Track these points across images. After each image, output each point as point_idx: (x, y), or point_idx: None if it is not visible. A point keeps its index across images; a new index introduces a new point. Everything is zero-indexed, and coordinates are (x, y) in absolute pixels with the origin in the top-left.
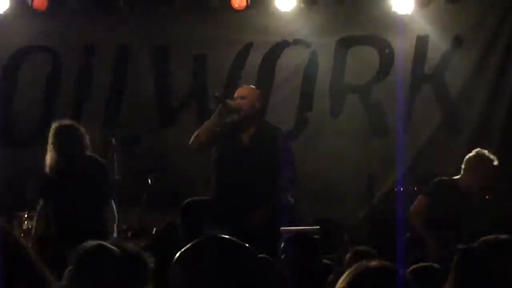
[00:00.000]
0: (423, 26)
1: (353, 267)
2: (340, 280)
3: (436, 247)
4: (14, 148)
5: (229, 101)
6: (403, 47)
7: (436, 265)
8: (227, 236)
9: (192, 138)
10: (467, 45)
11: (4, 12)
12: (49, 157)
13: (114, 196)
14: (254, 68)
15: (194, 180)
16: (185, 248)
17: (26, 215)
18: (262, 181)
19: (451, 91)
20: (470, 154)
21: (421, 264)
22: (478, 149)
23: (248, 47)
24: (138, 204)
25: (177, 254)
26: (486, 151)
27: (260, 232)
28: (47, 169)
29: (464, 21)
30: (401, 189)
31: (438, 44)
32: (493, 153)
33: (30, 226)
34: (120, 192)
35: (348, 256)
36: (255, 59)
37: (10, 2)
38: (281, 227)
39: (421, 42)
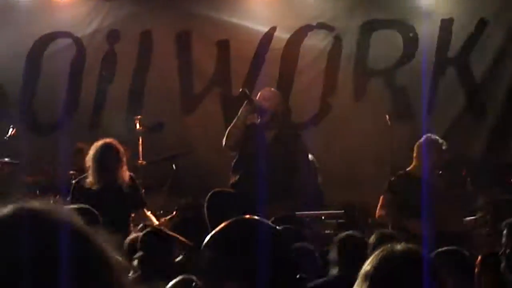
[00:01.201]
0: (448, 9)
1: (379, 250)
2: (366, 263)
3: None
4: (38, 133)
5: (255, 100)
6: (427, 31)
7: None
8: (255, 217)
9: (225, 139)
10: (492, 28)
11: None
12: (90, 176)
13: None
14: (278, 53)
15: (217, 165)
16: (214, 231)
17: (52, 201)
18: (281, 183)
19: (475, 75)
20: (420, 141)
21: (446, 248)
22: (427, 135)
23: (271, 31)
24: (162, 189)
25: (207, 238)
26: (434, 136)
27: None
28: (86, 184)
29: (488, 4)
30: (426, 173)
31: (463, 27)
32: None
33: None
34: (145, 177)
35: (372, 239)
36: (278, 43)
37: None
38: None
39: (446, 26)
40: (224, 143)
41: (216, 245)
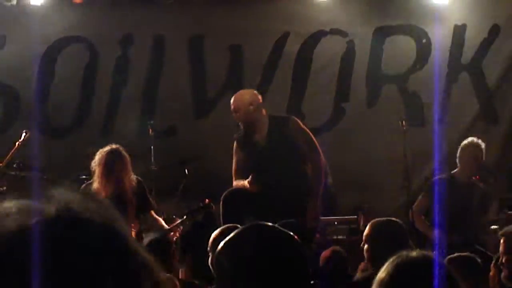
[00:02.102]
0: (461, 15)
1: (394, 257)
2: (381, 271)
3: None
4: (52, 138)
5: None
6: (440, 36)
7: (474, 256)
8: (270, 224)
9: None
10: (505, 33)
11: (41, 3)
12: (96, 182)
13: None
14: (291, 58)
15: (230, 169)
16: (229, 237)
17: None
18: (290, 175)
19: (488, 80)
20: (461, 144)
21: (459, 254)
22: (468, 138)
23: (285, 36)
24: (175, 193)
25: (222, 243)
26: (475, 138)
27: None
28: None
29: (502, 9)
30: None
31: (476, 33)
32: None
33: None
34: (157, 182)
35: None
36: (292, 48)
37: None
38: (323, 216)
39: (459, 31)
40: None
41: (230, 251)
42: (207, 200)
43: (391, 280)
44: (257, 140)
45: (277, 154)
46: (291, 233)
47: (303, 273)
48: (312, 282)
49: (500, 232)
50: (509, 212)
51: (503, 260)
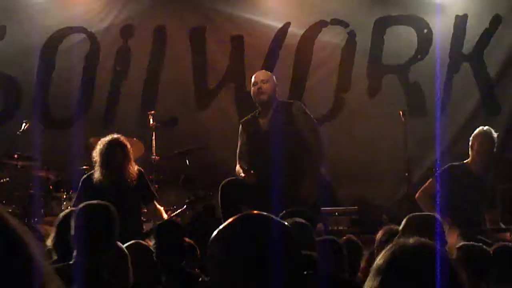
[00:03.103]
0: (462, 5)
1: (392, 244)
2: (378, 258)
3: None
4: (53, 129)
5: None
6: (441, 27)
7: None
8: (263, 213)
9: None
10: (507, 24)
11: None
12: (97, 172)
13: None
14: (292, 49)
15: (231, 160)
16: (221, 227)
17: (65, 196)
18: (292, 158)
19: (490, 71)
20: (473, 134)
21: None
22: (479, 128)
23: (285, 27)
24: (176, 184)
25: (214, 233)
26: (485, 127)
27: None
28: (94, 179)
29: (503, 0)
30: (440, 169)
31: (477, 23)
32: None
33: (69, 207)
34: (158, 172)
35: (379, 235)
36: (293, 39)
37: None
38: (321, 206)
39: (460, 22)
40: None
41: (223, 240)
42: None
43: (388, 267)
44: (261, 124)
45: (278, 140)
46: (284, 222)
47: (296, 261)
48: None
49: (492, 248)
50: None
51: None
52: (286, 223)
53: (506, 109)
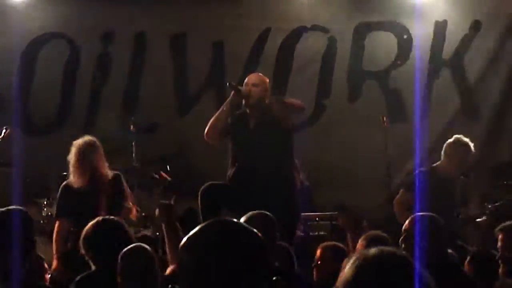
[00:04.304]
0: (441, 11)
1: (353, 258)
2: (344, 274)
3: None
4: (33, 136)
5: (241, 88)
6: (421, 33)
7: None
8: (233, 220)
9: (206, 129)
10: (486, 30)
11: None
12: (72, 174)
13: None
14: (272, 54)
15: (212, 166)
16: (191, 233)
17: (45, 202)
18: (275, 162)
19: (470, 76)
20: (450, 141)
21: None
22: (458, 136)
23: (266, 33)
24: (156, 190)
25: (184, 240)
26: (463, 137)
27: (279, 213)
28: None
29: (482, 5)
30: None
31: (457, 29)
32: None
33: (49, 213)
34: (139, 178)
35: (361, 241)
36: (273, 45)
37: None
38: (300, 210)
39: (440, 27)
40: (205, 134)
41: (190, 248)
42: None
43: (352, 282)
44: (249, 124)
45: (263, 141)
46: (253, 229)
47: (263, 268)
48: (274, 278)
49: (498, 227)
50: (492, 205)
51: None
52: (255, 231)
53: (485, 114)
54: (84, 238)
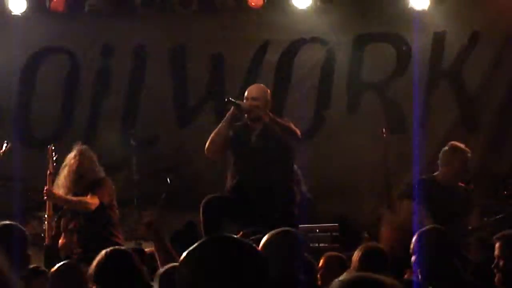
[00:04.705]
0: (440, 22)
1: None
2: None
3: None
4: (34, 149)
5: (241, 103)
6: (420, 44)
7: None
8: (233, 236)
9: (207, 144)
10: (485, 40)
11: (21, 13)
12: (62, 178)
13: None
14: (272, 67)
15: (213, 178)
16: (191, 248)
17: (46, 216)
18: (276, 176)
19: (469, 87)
20: (445, 148)
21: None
22: (451, 142)
23: (265, 45)
24: (157, 203)
25: (183, 255)
26: (457, 143)
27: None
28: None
29: (481, 16)
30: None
31: (456, 40)
32: (511, 150)
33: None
34: (139, 191)
35: (357, 253)
36: (272, 57)
37: (28, 3)
38: (300, 223)
39: (439, 38)
40: (205, 149)
41: (189, 263)
42: None
43: None
44: (250, 138)
45: (264, 156)
46: (254, 245)
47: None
48: None
49: (495, 236)
50: (492, 219)
51: (500, 264)
52: (252, 245)
53: (484, 125)
54: (92, 273)
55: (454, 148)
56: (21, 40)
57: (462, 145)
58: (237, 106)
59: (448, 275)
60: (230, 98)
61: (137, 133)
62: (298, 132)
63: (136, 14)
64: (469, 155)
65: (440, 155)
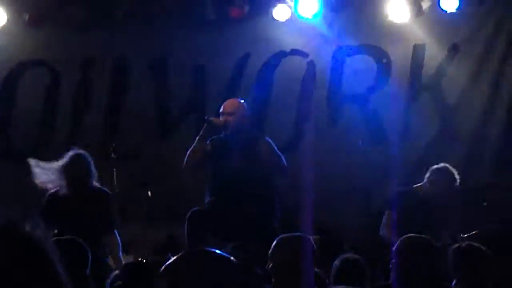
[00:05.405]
0: (420, 35)
1: None
2: None
3: None
4: (13, 162)
5: (215, 119)
6: (400, 56)
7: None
8: (211, 249)
9: (185, 160)
10: (464, 53)
11: (1, 27)
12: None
13: (118, 226)
14: (252, 79)
15: (194, 191)
16: (170, 261)
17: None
18: (255, 192)
19: (448, 100)
20: (438, 167)
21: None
22: (445, 164)
23: (246, 57)
24: (138, 216)
25: (163, 267)
26: (451, 168)
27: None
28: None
29: (460, 29)
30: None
31: (435, 52)
32: (491, 163)
33: None
34: (120, 204)
35: (335, 263)
36: (253, 69)
37: (7, 16)
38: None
39: (418, 51)
40: (183, 165)
41: (169, 276)
42: None
43: None
44: (230, 153)
45: (245, 172)
46: (234, 260)
47: None
48: None
49: (450, 249)
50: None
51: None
52: (231, 258)
53: (464, 137)
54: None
55: (447, 171)
56: (1, 53)
57: (453, 170)
58: (209, 123)
59: (425, 280)
60: (208, 117)
61: (118, 146)
62: (285, 166)
63: (116, 26)
64: (457, 183)
65: (431, 172)
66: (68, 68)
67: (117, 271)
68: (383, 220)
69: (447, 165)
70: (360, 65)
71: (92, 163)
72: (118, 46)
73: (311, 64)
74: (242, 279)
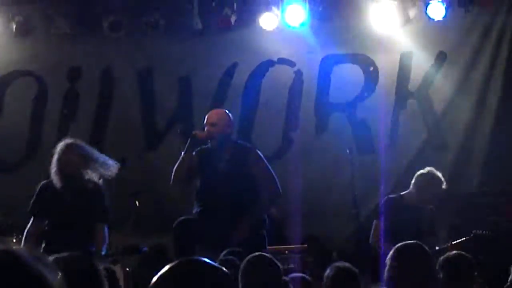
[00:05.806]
0: (407, 43)
1: None
2: None
3: None
4: (1, 173)
5: (198, 133)
6: (387, 64)
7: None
8: (202, 259)
9: (172, 176)
10: (451, 61)
11: None
12: (54, 174)
13: (108, 219)
14: (240, 88)
15: (181, 201)
16: (161, 272)
17: (14, 240)
18: (242, 203)
19: (436, 107)
20: (423, 172)
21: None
22: (430, 168)
23: (233, 67)
24: (125, 226)
25: (154, 279)
26: (437, 172)
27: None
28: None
29: (447, 37)
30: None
31: (422, 60)
32: (478, 170)
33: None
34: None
35: (328, 272)
36: (240, 79)
37: None
38: (266, 244)
39: (405, 59)
40: (170, 183)
41: (163, 286)
42: None
43: None
44: (218, 164)
45: (232, 184)
46: (224, 269)
47: None
48: None
49: (440, 259)
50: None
51: None
52: (221, 268)
53: (452, 144)
54: None
55: (432, 176)
56: None
57: (439, 174)
58: (192, 137)
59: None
60: (194, 133)
61: (105, 155)
62: (280, 193)
63: (103, 37)
64: (443, 186)
65: (417, 177)
66: (55, 79)
67: None
68: (372, 229)
69: (432, 169)
70: (347, 74)
71: (85, 148)
72: (105, 57)
73: (299, 73)
74: None
